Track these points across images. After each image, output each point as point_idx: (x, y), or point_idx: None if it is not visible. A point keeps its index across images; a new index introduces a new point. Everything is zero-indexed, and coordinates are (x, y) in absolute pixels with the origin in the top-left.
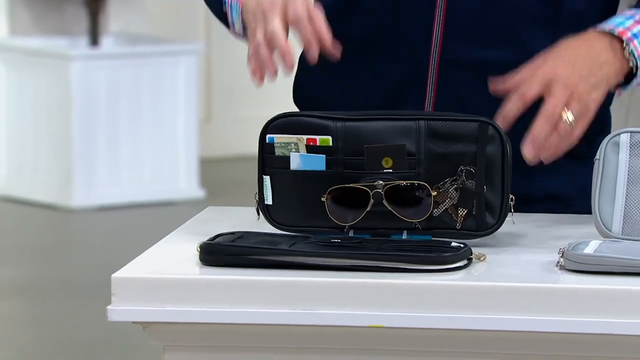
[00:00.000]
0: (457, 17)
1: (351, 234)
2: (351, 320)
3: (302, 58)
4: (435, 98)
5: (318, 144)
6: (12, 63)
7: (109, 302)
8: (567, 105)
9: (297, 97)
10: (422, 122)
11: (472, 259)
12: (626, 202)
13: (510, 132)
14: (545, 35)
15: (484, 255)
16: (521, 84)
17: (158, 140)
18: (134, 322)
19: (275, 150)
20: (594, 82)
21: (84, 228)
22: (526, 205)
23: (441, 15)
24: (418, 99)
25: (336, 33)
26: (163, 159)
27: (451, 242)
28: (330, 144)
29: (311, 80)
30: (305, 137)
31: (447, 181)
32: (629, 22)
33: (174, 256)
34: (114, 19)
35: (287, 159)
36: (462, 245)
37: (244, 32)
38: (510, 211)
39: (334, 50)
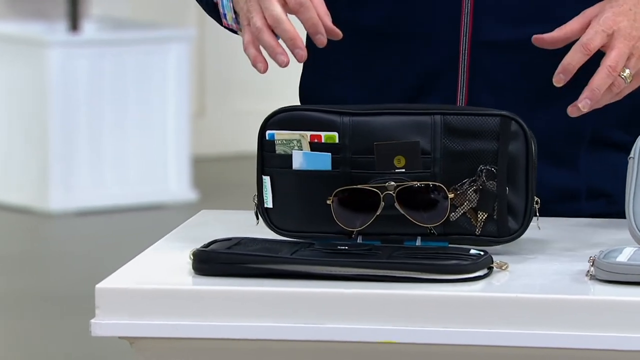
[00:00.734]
0: None
1: (359, 240)
2: (360, 336)
3: (308, 53)
4: (467, 85)
5: (323, 141)
6: None
7: (93, 316)
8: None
9: (306, 97)
10: (437, 117)
11: (492, 267)
12: None
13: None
14: (584, 8)
15: (506, 263)
16: (578, 34)
17: (145, 137)
18: (120, 337)
19: (276, 148)
20: None
21: (63, 234)
22: (570, 201)
23: None
24: (449, 87)
25: (350, 23)
26: (151, 157)
27: (470, 249)
28: (337, 141)
29: (320, 76)
30: (308, 133)
31: (465, 182)
32: None
33: (164, 265)
34: (96, 2)
35: (288, 157)
36: (482, 253)
37: (237, 23)
38: (536, 215)
39: (335, 34)
